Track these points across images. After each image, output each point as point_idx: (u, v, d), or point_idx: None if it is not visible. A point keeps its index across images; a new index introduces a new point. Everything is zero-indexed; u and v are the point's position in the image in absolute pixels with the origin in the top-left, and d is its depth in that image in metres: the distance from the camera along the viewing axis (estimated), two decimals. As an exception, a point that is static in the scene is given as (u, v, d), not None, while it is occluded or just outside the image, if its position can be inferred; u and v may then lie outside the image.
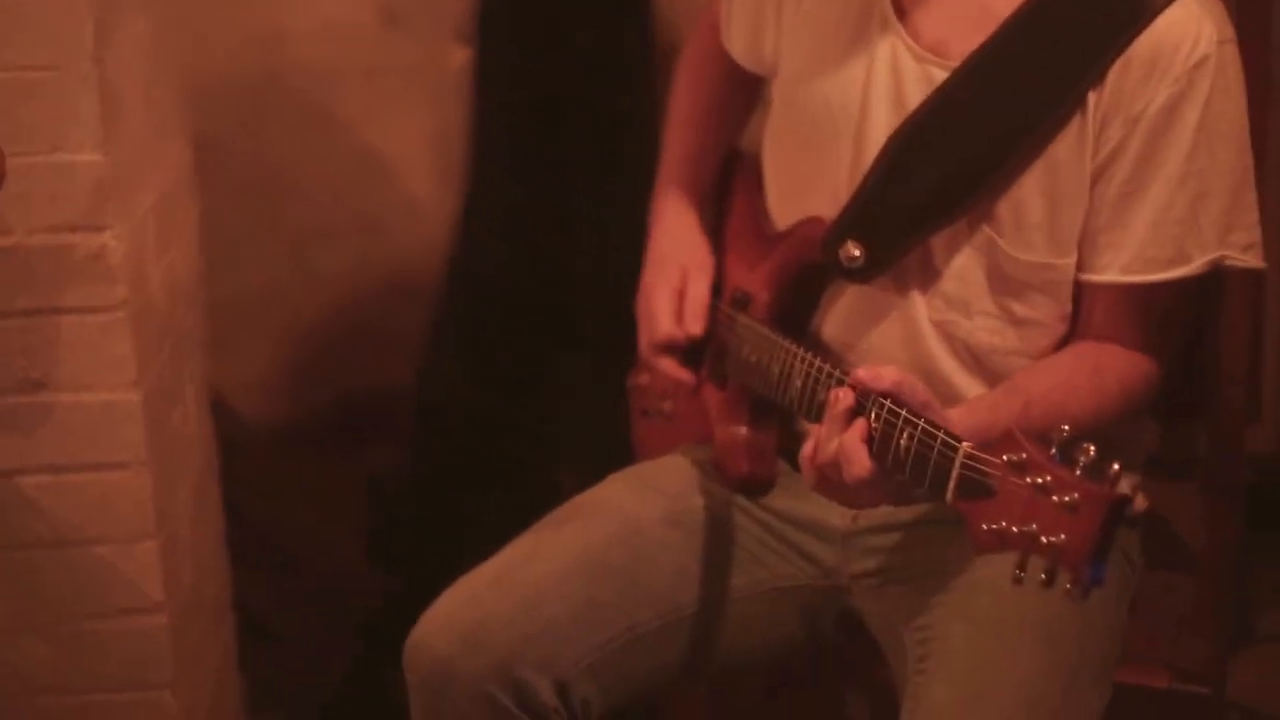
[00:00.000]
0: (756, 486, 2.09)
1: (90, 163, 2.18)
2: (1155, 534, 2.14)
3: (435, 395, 3.11)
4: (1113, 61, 1.86)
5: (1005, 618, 1.90)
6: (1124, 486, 1.58)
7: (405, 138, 3.26)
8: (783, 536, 2.10)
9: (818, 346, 2.01)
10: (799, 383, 1.95)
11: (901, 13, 1.97)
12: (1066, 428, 1.58)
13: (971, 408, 1.87)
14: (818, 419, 1.87)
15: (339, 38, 3.26)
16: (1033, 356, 1.98)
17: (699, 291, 2.16)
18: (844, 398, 1.79)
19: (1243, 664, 2.64)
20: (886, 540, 2.05)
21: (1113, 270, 1.91)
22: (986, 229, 1.93)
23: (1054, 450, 1.58)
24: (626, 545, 2.06)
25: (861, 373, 1.79)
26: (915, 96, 1.95)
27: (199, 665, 2.57)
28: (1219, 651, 2.22)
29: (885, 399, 1.75)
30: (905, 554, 2.05)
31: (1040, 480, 1.58)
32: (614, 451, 2.34)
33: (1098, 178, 1.90)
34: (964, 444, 1.66)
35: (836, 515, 2.05)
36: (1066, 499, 1.56)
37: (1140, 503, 2.09)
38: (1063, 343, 1.98)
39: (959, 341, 1.99)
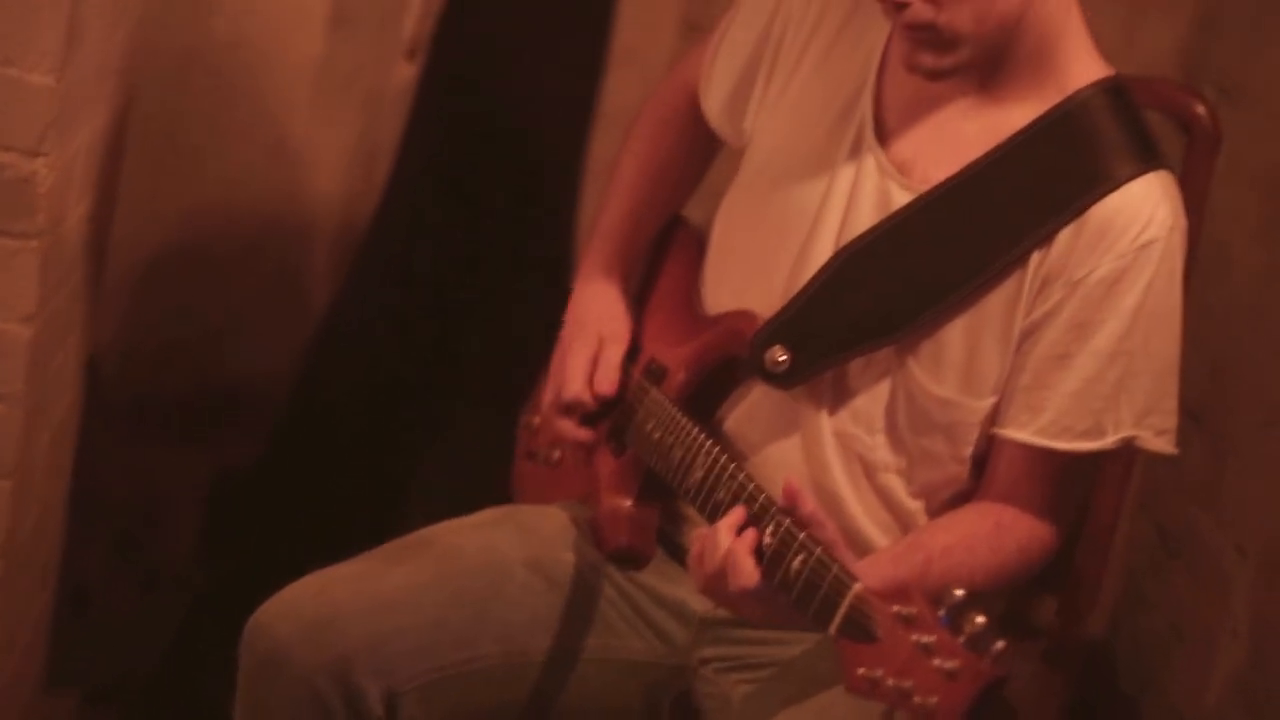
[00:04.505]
0: (631, 560, 2.09)
1: (41, 85, 2.12)
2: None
3: (307, 397, 3.08)
4: (1065, 224, 1.89)
5: None
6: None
7: (328, 138, 3.23)
8: (641, 610, 2.10)
9: (720, 438, 2.02)
10: (699, 474, 1.96)
11: (880, 122, 1.99)
12: (961, 592, 1.60)
13: (874, 560, 1.89)
14: (711, 516, 1.90)
15: (281, 25, 3.23)
16: (923, 488, 2.01)
17: (612, 359, 2.16)
18: (739, 511, 1.82)
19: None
20: (741, 633, 2.06)
21: (1027, 431, 1.93)
22: (905, 355, 1.95)
23: (944, 612, 1.60)
24: (488, 578, 2.06)
25: (792, 483, 1.80)
26: (868, 208, 1.97)
27: (20, 622, 2.51)
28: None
29: (786, 517, 1.77)
30: (756, 649, 2.05)
31: (925, 640, 1.60)
32: (479, 490, 2.33)
33: (1027, 335, 1.92)
34: (857, 584, 1.69)
35: (698, 600, 2.05)
36: (947, 665, 1.58)
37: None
38: (955, 483, 2.01)
39: (856, 457, 2.00)
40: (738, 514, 1.83)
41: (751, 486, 1.87)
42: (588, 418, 2.15)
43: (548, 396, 2.19)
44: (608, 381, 2.14)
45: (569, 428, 2.16)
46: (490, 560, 2.07)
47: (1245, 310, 2.84)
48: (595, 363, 2.16)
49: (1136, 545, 3.04)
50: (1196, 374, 2.77)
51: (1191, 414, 2.78)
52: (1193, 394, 2.77)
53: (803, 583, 1.73)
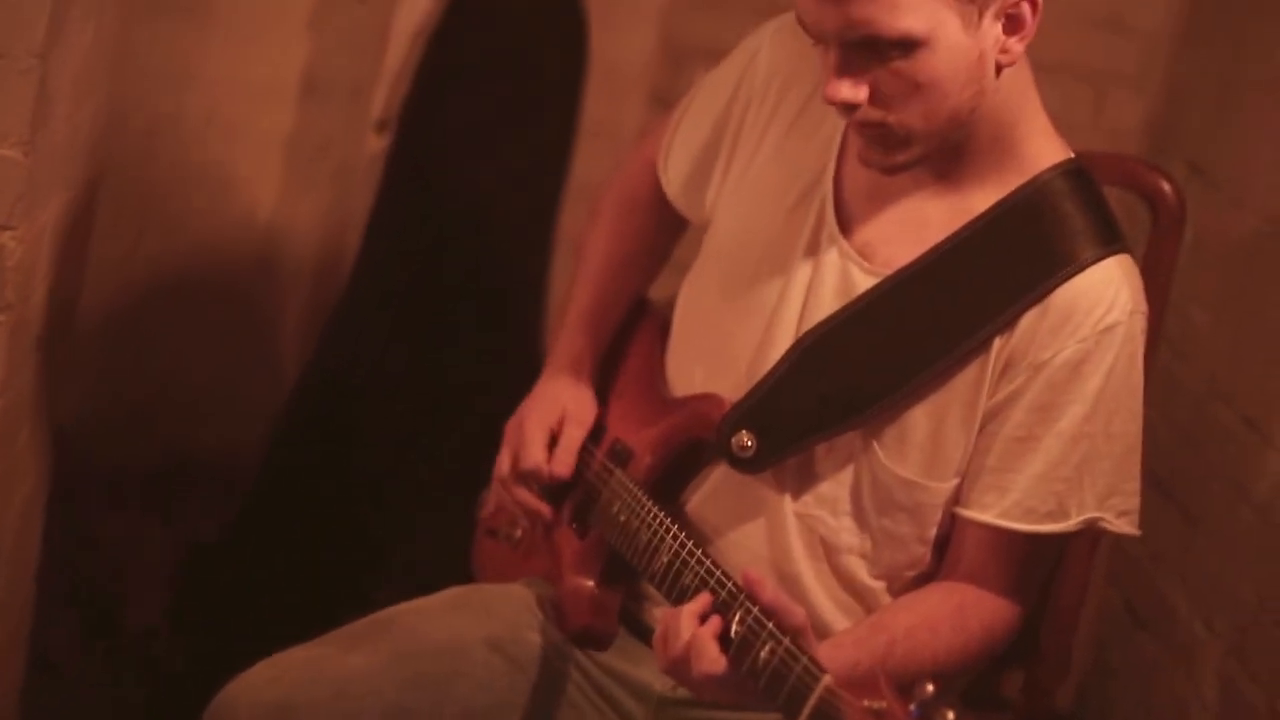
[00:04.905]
0: (594, 641, 2.08)
1: (9, 160, 2.11)
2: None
3: (276, 470, 3.08)
4: (1028, 307, 1.89)
5: None
6: None
7: (299, 209, 3.24)
8: (602, 690, 2.10)
9: (683, 520, 2.02)
10: (665, 558, 1.96)
11: (840, 205, 1.99)
12: (931, 686, 1.60)
13: (837, 643, 1.89)
14: (676, 600, 1.90)
15: (253, 97, 3.24)
16: (886, 569, 2.00)
17: (572, 439, 2.16)
18: (705, 598, 1.82)
19: None
20: (700, 713, 2.04)
21: (991, 512, 1.93)
22: (869, 438, 1.95)
23: (914, 707, 1.60)
24: (449, 659, 2.05)
25: (751, 573, 1.80)
26: (830, 292, 1.97)
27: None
28: None
29: (754, 604, 1.77)
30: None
31: None
32: (444, 567, 2.33)
33: (991, 417, 1.92)
34: (826, 676, 1.68)
35: (661, 680, 2.04)
36: None
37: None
38: (918, 564, 2.00)
39: (819, 539, 2.00)
40: (703, 600, 1.83)
41: (719, 573, 1.87)
42: (545, 492, 2.15)
43: (504, 463, 2.18)
44: (564, 465, 2.14)
45: (526, 497, 2.15)
46: (451, 641, 2.06)
47: (1213, 383, 2.86)
48: (555, 439, 2.15)
49: (1105, 616, 3.05)
50: (1166, 446, 2.80)
51: (1161, 486, 2.81)
52: (1162, 466, 2.80)
53: (770, 672, 1.73)
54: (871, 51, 1.81)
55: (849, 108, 1.85)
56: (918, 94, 1.83)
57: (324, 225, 3.22)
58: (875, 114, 1.85)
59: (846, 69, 1.82)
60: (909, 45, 1.80)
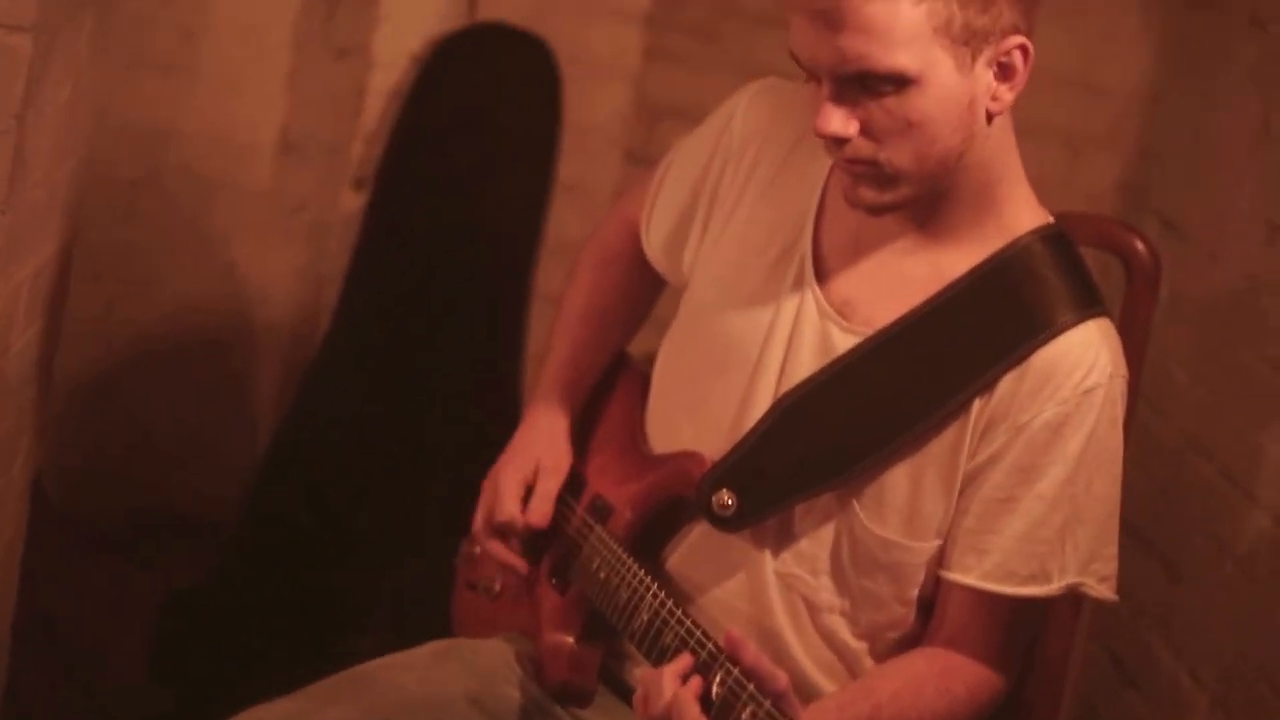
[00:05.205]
0: (573, 697, 2.07)
1: (-15, 219, 2.13)
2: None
3: (255, 520, 3.07)
4: (1007, 370, 1.89)
5: None
6: None
7: (276, 265, 3.25)
8: (582, 746, 2.09)
9: (663, 578, 2.01)
10: (645, 616, 1.96)
11: (820, 261, 1.98)
12: None
13: (821, 707, 1.89)
14: (656, 660, 1.90)
15: (232, 152, 3.26)
16: (867, 630, 1.99)
17: (547, 489, 2.15)
18: (686, 659, 1.82)
19: None
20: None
21: (973, 574, 1.92)
22: (849, 498, 1.95)
23: None
24: (427, 713, 2.03)
25: (733, 634, 1.79)
26: (809, 350, 1.96)
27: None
28: None
29: (735, 666, 1.77)
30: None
31: None
32: (425, 623, 2.32)
33: (972, 478, 1.92)
34: None
35: (640, 736, 2.05)
36: None
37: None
38: (900, 625, 2.00)
39: (799, 598, 1.99)
40: (684, 661, 1.83)
41: (699, 633, 1.87)
42: (524, 546, 2.15)
43: (480, 517, 2.18)
44: (540, 514, 2.13)
45: (500, 550, 2.15)
46: (431, 696, 2.05)
47: (1192, 439, 2.86)
48: (530, 490, 2.15)
49: (1091, 673, 3.04)
50: (1146, 501, 2.81)
51: (1144, 541, 2.81)
52: (1144, 521, 2.80)
53: None
54: (864, 86, 1.81)
55: (839, 142, 1.84)
56: (909, 132, 1.82)
57: (301, 281, 3.23)
58: (866, 149, 1.84)
59: (839, 102, 1.82)
60: (901, 82, 1.80)
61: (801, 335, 1.96)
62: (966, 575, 1.93)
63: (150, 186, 3.23)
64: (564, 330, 2.26)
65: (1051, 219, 1.95)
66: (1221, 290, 2.84)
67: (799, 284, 1.98)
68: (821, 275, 1.98)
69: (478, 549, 2.25)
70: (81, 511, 3.04)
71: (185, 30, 3.22)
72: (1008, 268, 1.91)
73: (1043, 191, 1.98)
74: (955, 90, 1.82)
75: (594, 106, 3.42)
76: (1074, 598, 2.16)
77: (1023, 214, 1.93)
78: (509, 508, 2.13)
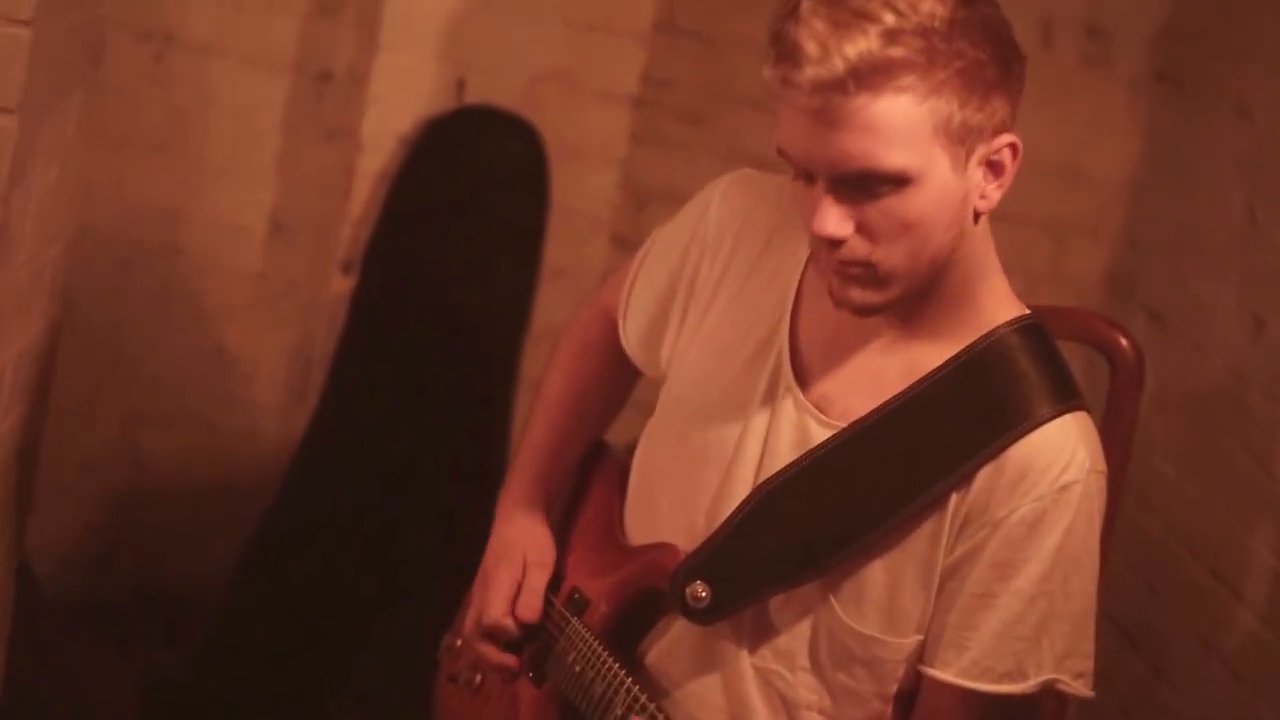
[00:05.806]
0: None
1: (-28, 300, 2.13)
2: None
3: (240, 604, 3.06)
4: (984, 463, 1.87)
5: None
6: None
7: (264, 347, 3.25)
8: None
9: (640, 672, 2.00)
10: (619, 712, 1.95)
11: (797, 355, 1.97)
12: None
13: None
14: None
15: (221, 233, 3.26)
16: (845, 727, 1.99)
17: (536, 584, 2.14)
18: None
19: None
20: None
21: (951, 670, 1.90)
22: (826, 592, 1.93)
23: None
24: None
25: None
26: (786, 444, 1.95)
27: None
28: None
29: None
30: None
31: None
32: (406, 707, 2.31)
33: (950, 574, 1.90)
34: None
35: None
36: None
37: None
38: (880, 720, 2.00)
39: (777, 694, 1.98)
40: None
41: None
42: (511, 643, 2.14)
43: (470, 620, 2.17)
44: (530, 609, 2.12)
45: (490, 652, 2.14)
46: None
47: (1179, 535, 2.85)
48: (519, 588, 2.14)
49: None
50: (1132, 597, 2.79)
51: (1130, 637, 2.79)
52: (1130, 617, 2.79)
53: None
54: (862, 186, 1.78)
55: (834, 243, 1.81)
56: (905, 233, 1.80)
57: (290, 362, 3.22)
58: (861, 250, 1.81)
59: (835, 203, 1.80)
60: (901, 182, 1.77)
61: (779, 429, 1.95)
62: (945, 671, 1.91)
63: (139, 267, 3.24)
64: (539, 414, 2.25)
65: (1028, 311, 1.94)
66: (1207, 383, 2.84)
67: (776, 379, 1.97)
68: (799, 370, 1.96)
69: (459, 641, 2.25)
70: (66, 596, 3.03)
71: (176, 110, 3.23)
72: (984, 359, 1.90)
73: (1027, 281, 1.97)
74: (951, 189, 1.80)
75: (581, 190, 3.42)
76: (1058, 697, 2.15)
77: (1000, 307, 1.92)
78: (498, 612, 2.12)
